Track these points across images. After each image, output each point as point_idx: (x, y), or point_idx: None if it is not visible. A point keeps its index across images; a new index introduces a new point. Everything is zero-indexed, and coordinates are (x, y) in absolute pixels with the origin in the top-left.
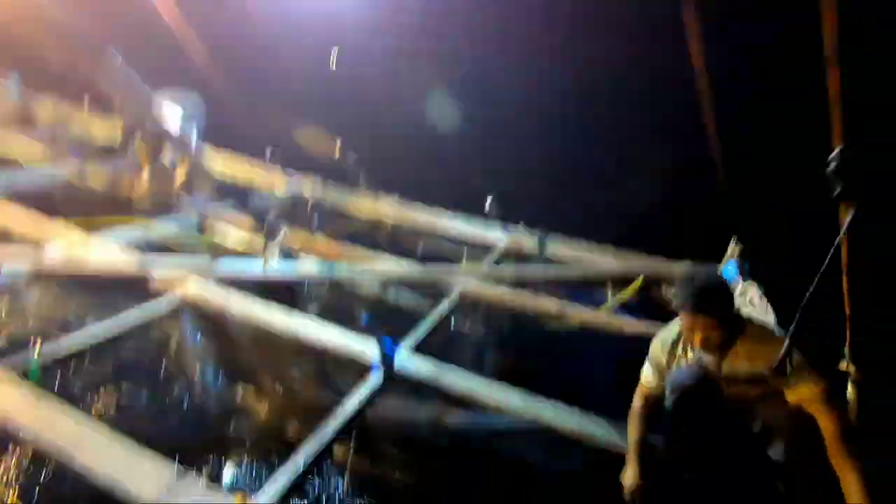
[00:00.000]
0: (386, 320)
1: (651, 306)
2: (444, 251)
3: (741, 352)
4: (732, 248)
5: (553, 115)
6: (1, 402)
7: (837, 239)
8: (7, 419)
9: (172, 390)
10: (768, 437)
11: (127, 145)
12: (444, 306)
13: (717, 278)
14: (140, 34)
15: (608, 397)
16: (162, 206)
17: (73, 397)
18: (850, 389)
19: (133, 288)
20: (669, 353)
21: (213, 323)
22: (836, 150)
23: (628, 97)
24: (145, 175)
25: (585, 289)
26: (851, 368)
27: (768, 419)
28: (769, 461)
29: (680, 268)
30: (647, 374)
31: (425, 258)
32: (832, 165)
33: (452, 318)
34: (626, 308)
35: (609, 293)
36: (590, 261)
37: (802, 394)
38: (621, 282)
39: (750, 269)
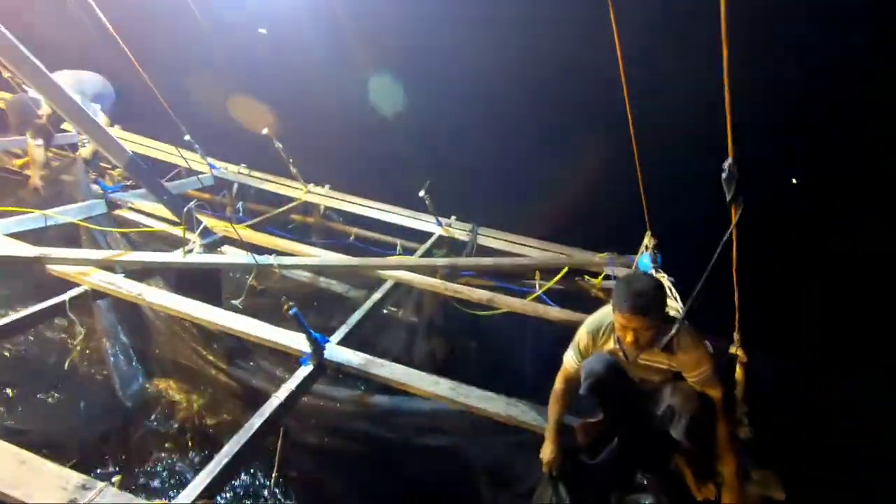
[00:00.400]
0: (317, 307)
1: (574, 295)
2: (377, 241)
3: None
4: (647, 241)
5: (490, 112)
6: None
7: (726, 235)
8: None
9: (78, 388)
10: (672, 417)
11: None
12: (376, 296)
13: (655, 281)
14: (49, 12)
15: (534, 380)
16: (59, 191)
17: None
18: (738, 371)
19: (31, 280)
20: (594, 341)
21: (128, 316)
22: (728, 162)
23: (560, 96)
24: (36, 157)
25: (514, 278)
26: (740, 352)
27: (673, 401)
28: (669, 439)
29: (601, 258)
30: (571, 359)
31: (357, 248)
32: (724, 174)
33: (385, 308)
34: (552, 296)
35: (536, 283)
36: (518, 252)
37: (695, 375)
38: (547, 271)
39: (661, 261)
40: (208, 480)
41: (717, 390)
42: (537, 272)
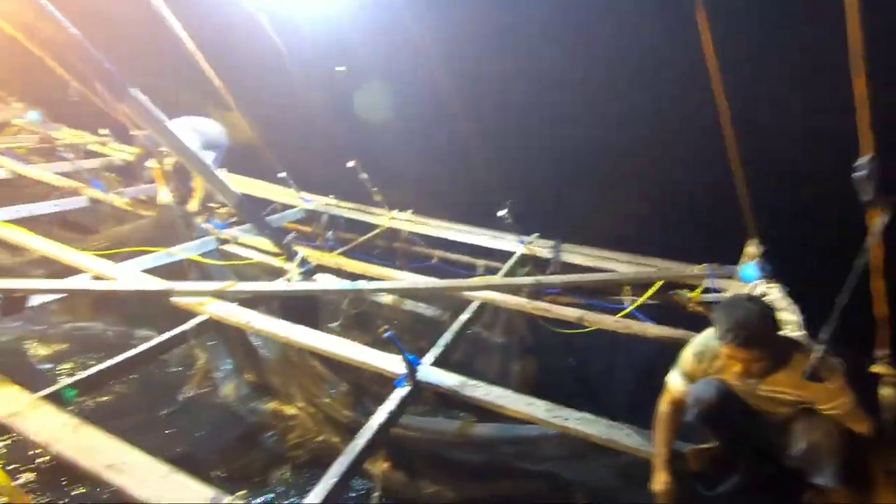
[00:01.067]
0: (407, 330)
1: (669, 310)
2: (460, 263)
3: (781, 377)
4: (751, 250)
5: (564, 121)
6: (40, 433)
7: (866, 242)
8: (49, 448)
9: (202, 411)
10: (814, 459)
11: (141, 171)
12: (463, 317)
13: (759, 306)
14: (163, 64)
15: (631, 400)
16: (180, 228)
17: (107, 419)
18: (887, 391)
19: (158, 311)
20: (699, 364)
21: (240, 343)
22: (867, 158)
23: (641, 97)
24: (161, 199)
25: (602, 295)
26: (889, 370)
27: (813, 440)
28: (804, 476)
29: (698, 270)
30: (676, 382)
31: (441, 270)
32: (862, 172)
33: (473, 329)
34: (644, 312)
35: (626, 299)
36: (605, 267)
37: (833, 406)
38: (638, 286)
39: (773, 271)
40: (320, 499)
41: (865, 424)
42: (627, 287)
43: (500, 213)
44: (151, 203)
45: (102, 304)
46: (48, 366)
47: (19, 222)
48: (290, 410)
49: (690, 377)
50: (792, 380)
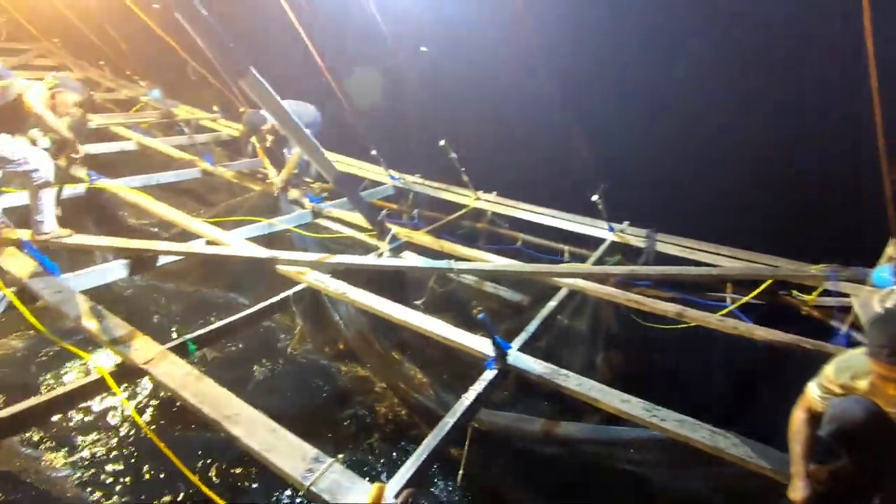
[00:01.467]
0: (488, 313)
1: (777, 312)
2: (545, 248)
3: None
4: (891, 251)
5: (666, 104)
6: (171, 380)
7: None
8: (176, 393)
9: (297, 374)
10: None
11: (245, 147)
12: (551, 304)
13: None
14: (271, 48)
15: (729, 411)
16: (278, 199)
17: (219, 373)
18: None
19: (262, 277)
20: (841, 382)
21: (332, 312)
22: None
23: (756, 83)
24: (267, 173)
25: (698, 291)
26: None
27: None
28: None
29: (817, 270)
30: (815, 393)
31: (525, 254)
32: None
33: (558, 318)
34: (746, 313)
35: (728, 296)
36: (705, 261)
37: None
38: (742, 284)
39: None
40: (412, 471)
41: None
42: (729, 284)
43: (594, 197)
44: (252, 177)
45: (210, 269)
46: (168, 322)
47: (145, 189)
48: (378, 384)
49: (829, 392)
50: None
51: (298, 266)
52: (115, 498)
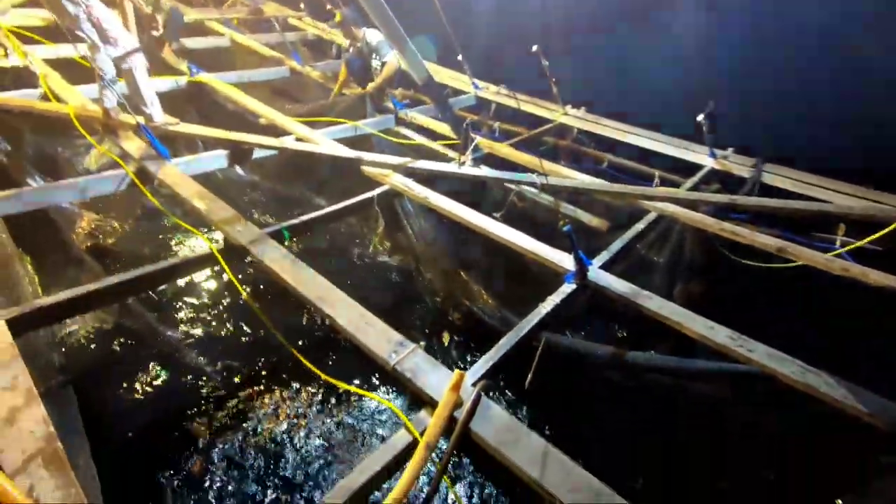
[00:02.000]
0: (564, 237)
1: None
2: (634, 171)
3: None
4: None
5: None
6: (270, 261)
7: None
8: (275, 273)
9: (378, 270)
10: None
11: (330, 48)
12: (639, 226)
13: None
14: None
15: (826, 361)
16: (366, 104)
17: (308, 262)
18: None
19: (343, 182)
20: None
21: (405, 223)
22: None
23: None
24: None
25: (804, 230)
26: None
27: None
28: None
29: None
30: None
31: (611, 177)
32: None
33: (644, 246)
34: (864, 257)
35: (838, 238)
36: (819, 196)
37: None
38: (857, 226)
39: None
40: (488, 366)
41: None
42: (841, 226)
43: (699, 117)
44: (336, 78)
45: (297, 169)
46: (259, 215)
47: (238, 85)
48: (458, 284)
49: None
50: None
51: (382, 168)
52: (215, 359)
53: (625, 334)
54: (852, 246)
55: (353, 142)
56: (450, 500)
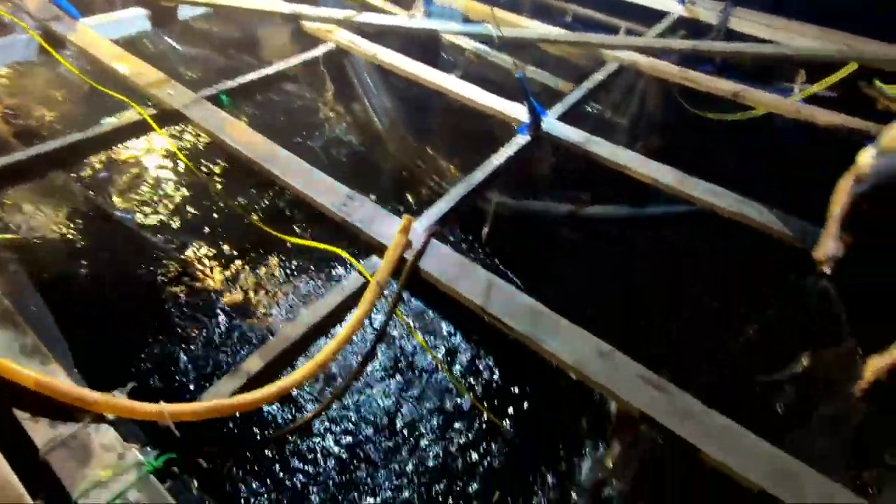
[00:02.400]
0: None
1: (853, 106)
2: (599, 23)
3: None
4: None
5: None
6: (209, 124)
7: None
8: (215, 136)
9: (332, 130)
10: None
11: None
12: (597, 76)
13: None
14: None
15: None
16: None
17: (254, 123)
18: None
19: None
20: None
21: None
22: None
23: None
24: None
25: (769, 79)
26: None
27: None
28: None
29: None
30: (868, 155)
31: (576, 30)
32: None
33: (602, 106)
34: (820, 102)
35: (796, 86)
36: (783, 41)
37: None
38: (820, 68)
39: None
40: (439, 214)
41: None
42: (801, 72)
43: None
44: None
45: (233, 34)
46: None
47: None
48: (412, 142)
49: (889, 155)
50: None
51: (326, 24)
52: (165, 233)
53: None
54: (808, 91)
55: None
56: (410, 338)
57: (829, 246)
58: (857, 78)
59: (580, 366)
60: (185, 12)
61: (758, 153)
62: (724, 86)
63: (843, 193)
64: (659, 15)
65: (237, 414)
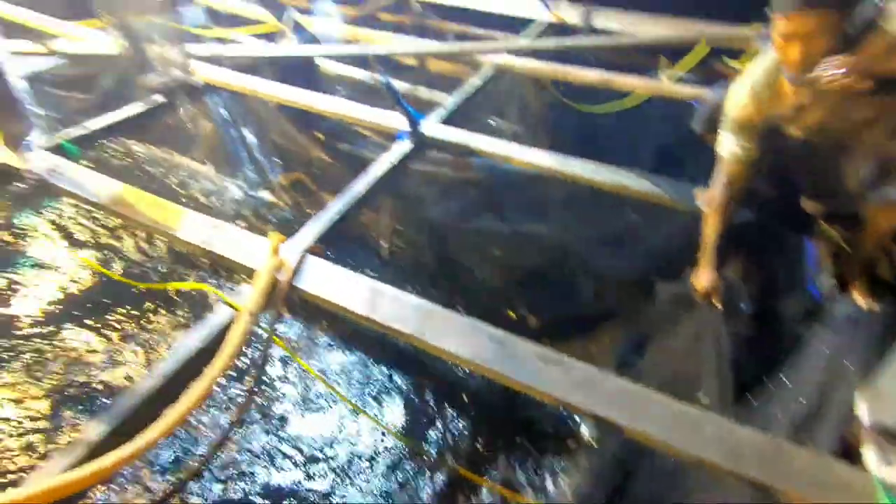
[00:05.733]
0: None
1: (711, 83)
2: (477, 38)
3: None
4: None
5: None
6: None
7: None
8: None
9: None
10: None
11: None
12: (474, 81)
13: None
14: None
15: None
16: None
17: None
18: None
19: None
20: (758, 103)
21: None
22: None
23: None
24: None
25: (634, 69)
26: None
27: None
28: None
29: (750, 32)
30: (730, 144)
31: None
32: None
33: (482, 111)
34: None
35: (661, 72)
36: (643, 31)
37: None
38: (678, 53)
39: None
40: (314, 233)
41: None
42: (661, 58)
43: None
44: None
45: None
46: None
47: None
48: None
49: (744, 124)
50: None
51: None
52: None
53: None
54: (671, 74)
55: None
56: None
57: (703, 274)
58: (712, 58)
59: (477, 358)
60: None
61: (635, 136)
62: (593, 75)
63: (713, 206)
64: (529, 22)
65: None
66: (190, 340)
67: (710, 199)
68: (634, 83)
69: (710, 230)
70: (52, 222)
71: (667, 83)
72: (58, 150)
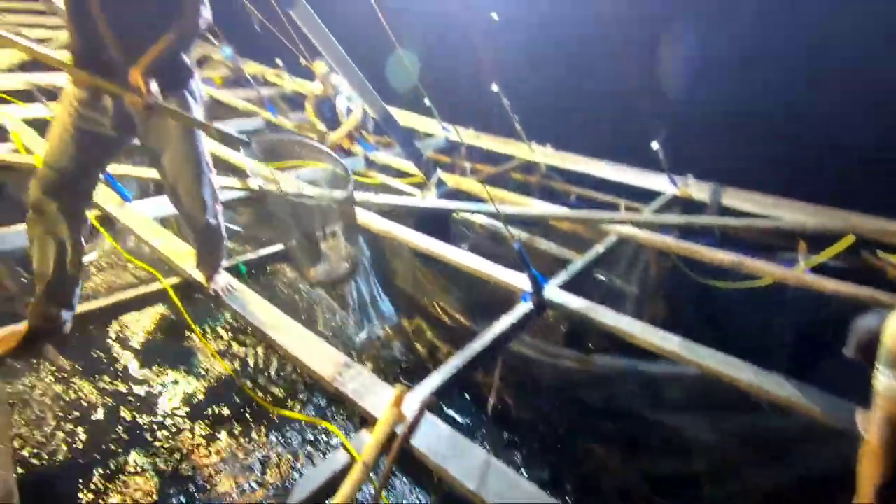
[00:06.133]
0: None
1: (856, 275)
2: (601, 202)
3: None
4: None
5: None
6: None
7: None
8: (224, 305)
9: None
10: None
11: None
12: (598, 248)
13: None
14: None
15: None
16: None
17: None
18: None
19: None
20: None
21: (376, 249)
22: None
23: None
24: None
25: (767, 251)
26: None
27: None
28: None
29: None
30: (888, 381)
31: (580, 209)
32: None
33: (605, 274)
34: (826, 273)
35: (800, 256)
36: (777, 215)
37: None
38: (818, 241)
39: None
40: (435, 385)
41: None
42: (802, 243)
43: (654, 143)
44: (312, 127)
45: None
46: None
47: None
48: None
49: None
50: None
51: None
52: (171, 398)
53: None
54: (813, 262)
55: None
56: None
57: None
58: (859, 249)
59: None
60: (227, 194)
61: (765, 322)
62: (724, 256)
63: (873, 451)
64: (654, 194)
65: None
66: (307, 483)
67: (868, 429)
68: (773, 270)
69: (869, 471)
70: (213, 330)
71: (807, 275)
72: (232, 269)
